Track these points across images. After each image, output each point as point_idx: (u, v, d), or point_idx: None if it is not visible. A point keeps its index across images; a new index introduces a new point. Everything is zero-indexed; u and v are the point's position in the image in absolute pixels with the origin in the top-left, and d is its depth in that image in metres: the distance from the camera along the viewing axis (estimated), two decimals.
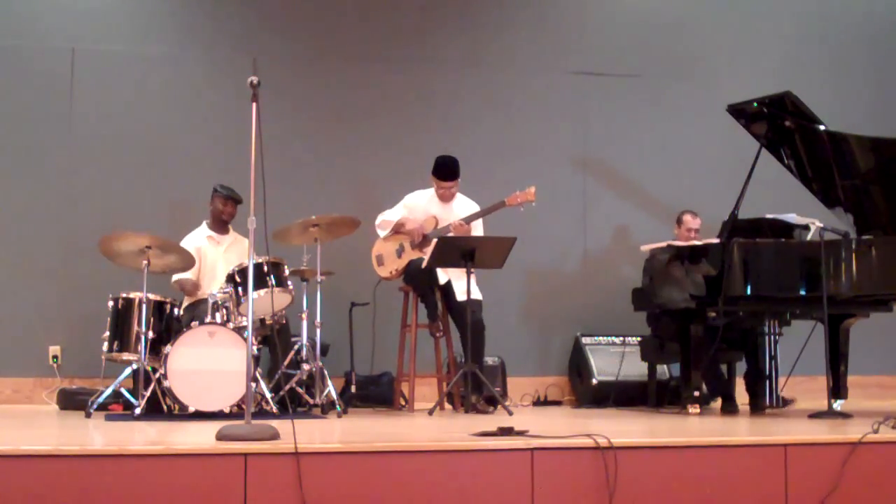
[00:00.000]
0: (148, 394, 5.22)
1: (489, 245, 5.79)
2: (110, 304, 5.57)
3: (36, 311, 6.71)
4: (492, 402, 5.82)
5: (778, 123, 5.79)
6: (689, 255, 5.69)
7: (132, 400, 5.33)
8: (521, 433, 3.78)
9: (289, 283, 5.67)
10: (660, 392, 6.59)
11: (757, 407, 6.08)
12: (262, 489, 3.36)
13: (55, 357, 6.67)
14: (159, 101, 7.04)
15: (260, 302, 5.32)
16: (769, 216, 5.95)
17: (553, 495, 3.58)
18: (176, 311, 5.63)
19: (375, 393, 6.59)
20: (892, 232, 5.60)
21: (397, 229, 6.26)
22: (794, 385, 6.30)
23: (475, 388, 5.75)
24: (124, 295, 5.56)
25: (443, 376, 6.34)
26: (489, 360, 6.48)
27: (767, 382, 6.17)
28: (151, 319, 5.46)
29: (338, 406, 5.48)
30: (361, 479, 3.46)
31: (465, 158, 6.27)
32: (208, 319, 5.30)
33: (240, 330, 5.26)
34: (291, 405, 5.22)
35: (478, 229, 6.24)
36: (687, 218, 6.63)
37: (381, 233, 6.29)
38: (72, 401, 6.14)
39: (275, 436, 3.61)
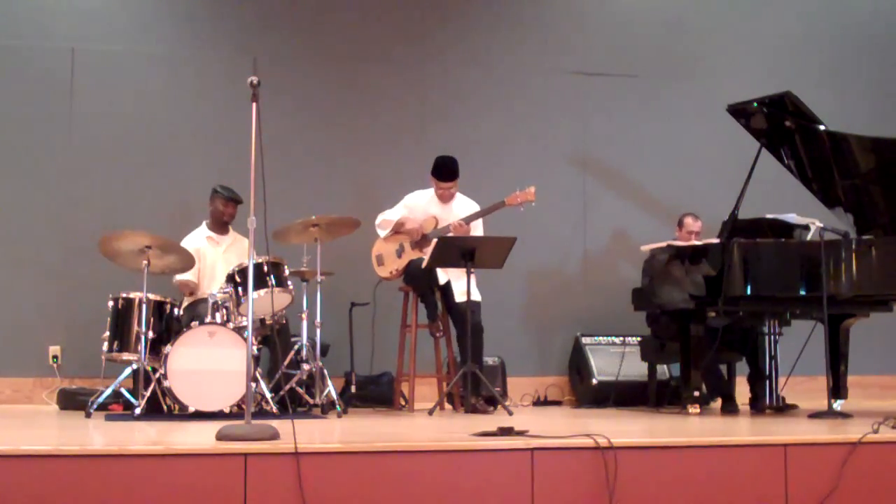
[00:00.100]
0: (148, 394, 5.22)
1: (489, 245, 5.79)
2: (110, 304, 5.57)
3: (36, 311, 6.71)
4: (492, 402, 5.82)
5: (778, 123, 5.78)
6: (689, 256, 5.69)
7: (132, 400, 5.33)
8: (521, 433, 3.78)
9: (289, 283, 5.67)
10: (660, 392, 6.59)
11: (757, 407, 6.08)
12: (262, 489, 3.36)
13: (55, 357, 6.67)
14: (159, 101, 7.04)
15: (260, 302, 5.32)
16: (769, 216, 5.95)
17: (553, 495, 3.59)
18: (176, 311, 5.63)
19: (375, 393, 6.59)
20: (892, 232, 5.59)
21: (397, 229, 6.26)
22: (794, 385, 6.30)
23: (475, 388, 5.75)
24: (124, 295, 5.56)
25: (443, 376, 6.34)
26: (489, 360, 6.48)
27: (767, 382, 6.17)
28: (151, 319, 5.46)
29: (338, 406, 5.48)
30: (361, 479, 3.46)
31: (465, 158, 6.27)
32: (208, 319, 5.30)
33: (240, 330, 5.26)
34: (291, 405, 5.22)
35: (478, 229, 6.24)
36: (688, 221, 6.63)
37: (381, 233, 6.29)
38: (72, 401, 6.14)
39: (275, 436, 3.61)
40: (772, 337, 6.17)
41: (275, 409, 5.24)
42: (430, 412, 5.63)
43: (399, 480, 3.49)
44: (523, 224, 6.31)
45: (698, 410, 5.66)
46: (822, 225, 5.59)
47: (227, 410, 5.10)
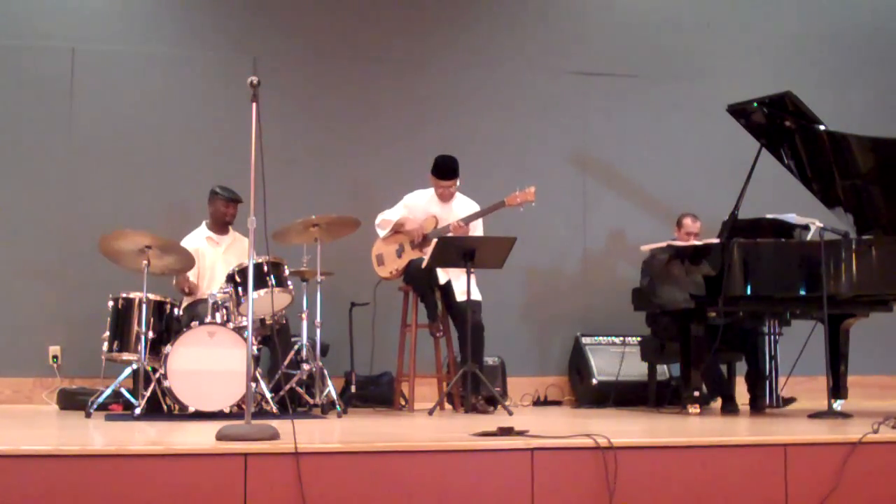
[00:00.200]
0: (148, 394, 5.22)
1: (489, 245, 5.80)
2: (110, 304, 5.57)
3: (36, 311, 6.70)
4: (492, 402, 5.82)
5: (778, 123, 5.78)
6: (690, 256, 5.68)
7: (132, 400, 5.33)
8: (521, 433, 3.78)
9: (289, 283, 5.67)
10: (660, 392, 6.59)
11: (757, 407, 6.08)
12: (262, 489, 3.36)
13: (55, 357, 6.67)
14: (159, 101, 7.04)
15: (260, 302, 5.32)
16: (769, 216, 5.95)
17: (553, 495, 3.58)
18: (176, 311, 5.63)
19: (375, 393, 6.59)
20: (892, 232, 5.60)
21: (397, 229, 6.26)
22: (794, 385, 6.30)
23: (475, 388, 5.75)
24: (124, 295, 5.56)
25: (443, 376, 6.34)
26: (489, 360, 6.48)
27: (767, 382, 6.17)
28: (151, 319, 5.46)
29: (338, 406, 5.48)
30: (361, 479, 3.46)
31: (465, 158, 6.27)
32: (208, 319, 5.30)
33: (240, 330, 5.26)
34: (291, 405, 5.22)
35: (478, 229, 6.24)
36: (687, 221, 6.62)
37: (381, 233, 6.29)
38: (72, 401, 6.14)
39: (275, 436, 3.61)
40: (772, 337, 6.17)
41: (275, 409, 5.23)
42: (430, 412, 5.63)
43: (399, 480, 3.49)
44: (523, 224, 6.31)
45: (698, 410, 5.66)
46: (822, 225, 5.59)
47: (227, 410, 5.10)
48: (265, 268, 5.44)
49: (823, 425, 4.73)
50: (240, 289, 5.48)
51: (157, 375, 5.23)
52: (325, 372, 5.63)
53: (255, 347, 5.40)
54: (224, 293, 5.47)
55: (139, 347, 5.38)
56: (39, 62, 6.91)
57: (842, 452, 3.83)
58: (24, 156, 6.83)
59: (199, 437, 3.98)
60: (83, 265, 6.52)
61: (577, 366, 7.13)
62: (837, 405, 5.54)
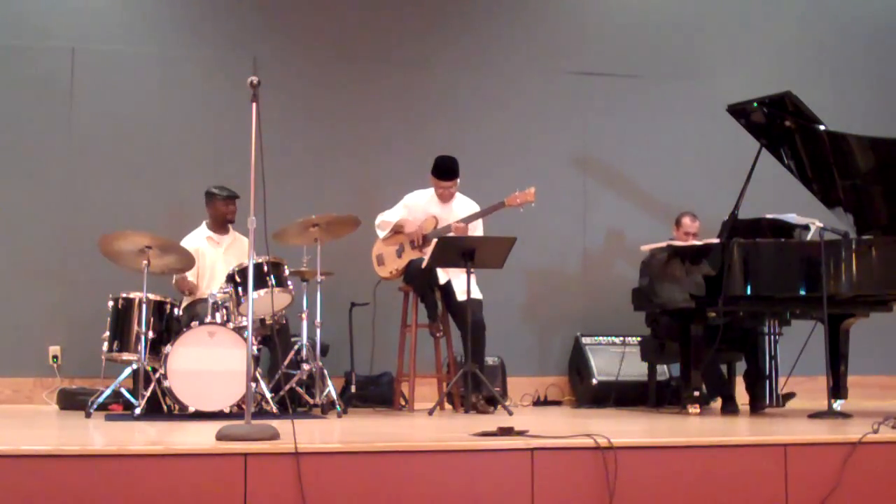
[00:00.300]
0: (148, 394, 5.22)
1: (489, 245, 5.80)
2: (110, 304, 5.57)
3: (36, 311, 6.70)
4: (492, 402, 5.82)
5: (778, 123, 5.78)
6: (690, 255, 5.68)
7: (132, 400, 5.33)
8: (521, 433, 3.78)
9: (289, 283, 5.67)
10: (660, 392, 6.59)
11: (757, 407, 6.08)
12: (262, 489, 3.36)
13: (55, 357, 6.67)
14: (159, 101, 7.04)
15: (260, 302, 5.32)
16: (769, 216, 5.95)
17: (553, 495, 3.59)
18: (176, 311, 5.63)
19: (375, 393, 6.59)
20: (892, 232, 5.59)
21: (397, 230, 6.26)
22: (794, 385, 6.29)
23: (475, 388, 5.75)
24: (124, 295, 5.56)
25: (443, 376, 6.34)
26: (489, 360, 6.47)
27: (767, 382, 6.17)
28: (151, 319, 5.46)
29: (338, 406, 5.48)
30: (361, 479, 3.46)
31: (465, 158, 6.27)
32: (208, 319, 5.30)
33: (240, 330, 5.26)
34: (291, 405, 5.22)
35: (478, 229, 6.24)
36: (686, 221, 6.62)
37: (381, 233, 6.29)
38: (72, 401, 6.14)
39: (275, 436, 3.61)
40: (772, 337, 6.16)
41: (275, 409, 5.24)
42: (430, 412, 5.63)
43: (399, 480, 3.49)
44: (523, 224, 6.31)
45: (698, 410, 5.66)
46: (822, 225, 5.59)
47: (227, 410, 5.10)
48: (265, 268, 5.44)
49: (823, 425, 4.73)
50: (240, 289, 5.48)
51: (157, 375, 5.23)
52: (325, 372, 5.63)
53: (255, 347, 5.40)
54: (224, 293, 5.47)
55: (139, 347, 5.38)
56: (39, 62, 6.91)
57: (842, 452, 3.84)
58: (24, 156, 6.82)
59: (199, 437, 3.99)
60: (83, 265, 6.52)
61: (577, 366, 7.13)
62: (837, 405, 5.53)
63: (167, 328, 5.56)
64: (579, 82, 7.63)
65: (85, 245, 6.08)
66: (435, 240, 5.78)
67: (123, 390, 5.43)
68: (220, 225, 6.23)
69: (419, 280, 6.06)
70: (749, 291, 5.45)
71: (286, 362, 5.65)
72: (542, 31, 7.65)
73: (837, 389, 5.64)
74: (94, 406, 5.38)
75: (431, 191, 6.27)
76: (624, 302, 6.58)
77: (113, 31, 7.05)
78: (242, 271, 5.51)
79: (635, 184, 7.66)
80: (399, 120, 7.32)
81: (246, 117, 3.91)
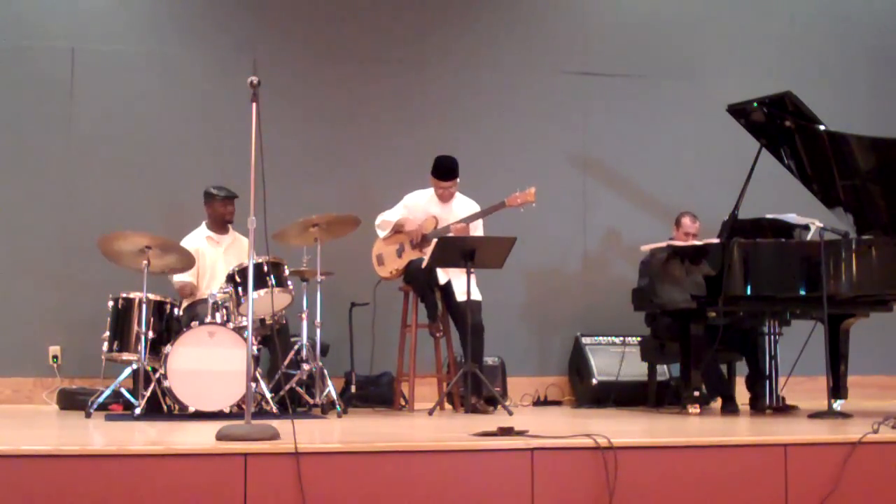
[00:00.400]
0: (148, 394, 5.22)
1: (489, 245, 5.79)
2: (110, 304, 5.57)
3: (36, 311, 6.71)
4: (492, 402, 5.82)
5: (778, 123, 5.78)
6: (690, 255, 5.68)
7: (132, 400, 5.33)
8: (521, 433, 3.78)
9: (289, 283, 5.67)
10: (660, 392, 6.59)
11: (757, 407, 6.08)
12: (262, 489, 3.36)
13: (55, 357, 6.67)
14: (159, 101, 7.04)
15: (260, 302, 5.32)
16: (769, 216, 5.95)
17: (553, 495, 3.58)
18: (176, 311, 5.63)
19: (375, 393, 6.59)
20: (892, 232, 5.59)
21: (397, 229, 6.26)
22: (794, 385, 6.29)
23: (475, 388, 5.75)
24: (124, 295, 5.56)
25: (443, 376, 6.34)
26: (489, 360, 6.48)
27: (767, 382, 6.17)
28: (151, 319, 5.46)
29: (338, 406, 5.48)
30: (361, 479, 3.46)
31: (465, 158, 6.27)
32: (208, 319, 5.30)
33: (240, 330, 5.26)
34: (291, 405, 5.22)
35: (478, 229, 6.24)
36: (685, 221, 6.61)
37: (381, 233, 6.29)
38: (72, 401, 6.14)
39: (275, 436, 3.61)
40: (772, 337, 6.17)
41: (275, 409, 5.23)
42: (430, 412, 5.63)
43: (399, 480, 3.49)
44: (523, 224, 6.31)
45: (698, 410, 5.66)
46: (822, 225, 5.59)
47: (227, 410, 5.10)
48: (265, 268, 5.44)
49: (823, 425, 4.73)
50: (240, 289, 5.48)
51: (157, 375, 5.23)
52: (325, 372, 5.63)
53: (255, 347, 5.40)
54: (224, 293, 5.47)
55: (139, 347, 5.38)
56: (39, 62, 6.91)
57: (842, 452, 3.83)
58: (24, 156, 6.83)
59: (199, 437, 3.98)
60: (83, 265, 6.52)
61: (577, 366, 7.13)
62: (837, 405, 5.53)
63: (167, 328, 5.56)
64: (579, 82, 7.63)
65: (85, 245, 6.08)
66: (435, 240, 5.78)
67: (123, 390, 5.43)
68: (220, 225, 6.23)
69: (419, 280, 6.06)
70: (749, 291, 5.45)
71: (286, 362, 5.65)
72: (542, 31, 7.65)
73: (837, 389, 5.64)
74: (94, 406, 5.38)
75: (431, 191, 6.26)
76: (624, 302, 6.58)
77: (113, 31, 7.05)
78: (242, 271, 5.51)
79: (635, 184, 7.66)
80: (399, 120, 7.32)
81: (246, 117, 3.91)
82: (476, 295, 5.98)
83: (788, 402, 6.18)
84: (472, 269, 5.79)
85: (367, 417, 5.46)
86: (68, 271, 6.70)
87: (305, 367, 5.65)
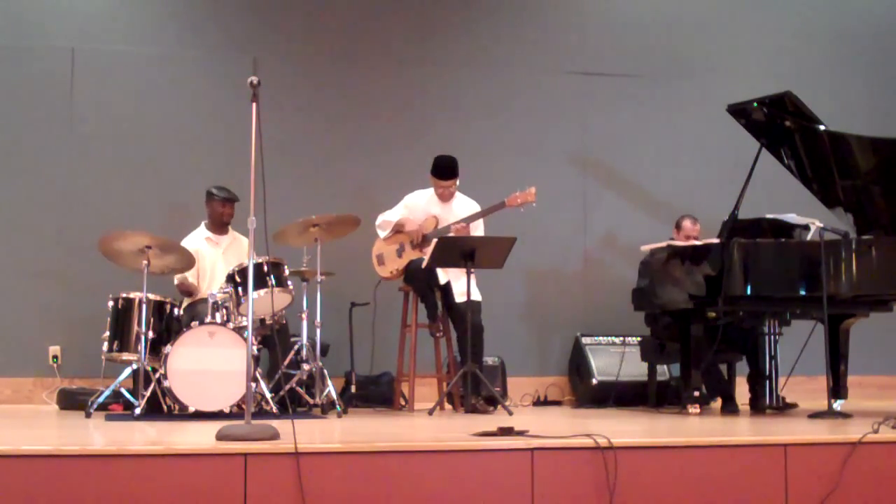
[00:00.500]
0: (148, 394, 5.22)
1: (489, 245, 5.79)
2: (110, 304, 5.57)
3: (36, 311, 6.71)
4: (492, 402, 5.82)
5: (778, 123, 5.78)
6: (690, 255, 5.68)
7: (132, 400, 5.33)
8: (521, 433, 3.78)
9: (289, 283, 5.67)
10: (660, 392, 6.59)
11: (757, 407, 6.08)
12: (262, 489, 3.36)
13: (55, 357, 6.67)
14: (159, 101, 7.04)
15: (260, 302, 5.32)
16: (769, 216, 5.95)
17: (553, 495, 3.58)
18: (176, 311, 5.63)
19: (375, 393, 6.59)
20: (892, 232, 5.60)
21: (397, 229, 6.26)
22: (794, 385, 6.30)
23: (475, 388, 5.75)
24: (124, 295, 5.56)
25: (443, 376, 6.34)
26: (489, 360, 6.48)
27: (767, 382, 6.17)
28: (151, 319, 5.46)
29: (338, 406, 5.48)
30: (361, 479, 3.46)
31: (465, 158, 6.27)
32: (208, 319, 5.30)
33: (240, 330, 5.26)
34: (291, 405, 5.22)
35: (478, 229, 6.24)
36: (686, 224, 6.61)
37: (381, 233, 6.29)
38: (72, 401, 6.14)
39: (275, 436, 3.61)
40: (772, 337, 6.17)
41: (275, 409, 5.23)
42: (430, 412, 5.63)
43: (399, 480, 3.49)
44: (523, 224, 6.31)
45: (698, 410, 5.66)
46: (822, 225, 5.59)
47: (227, 410, 5.10)
48: (265, 268, 5.44)
49: (823, 425, 4.73)
50: (240, 289, 5.48)
51: (157, 375, 5.23)
52: (325, 372, 5.63)
53: (255, 347, 5.40)
54: (224, 293, 5.47)
55: (139, 347, 5.38)
56: (39, 62, 6.91)
57: (842, 452, 3.83)
58: (24, 156, 6.83)
59: (199, 437, 3.98)
60: (83, 265, 6.51)
61: (577, 366, 7.13)
62: (837, 405, 5.53)
63: (167, 328, 5.56)
64: (579, 82, 7.63)
65: (85, 245, 6.08)
66: (435, 240, 5.78)
67: (123, 390, 5.43)
68: (218, 225, 6.23)
69: (419, 280, 6.06)
70: (749, 291, 5.45)
71: (286, 362, 5.65)
72: (543, 31, 7.65)
73: (837, 389, 5.64)
74: (94, 406, 5.38)
75: (432, 191, 6.26)
76: (624, 302, 6.58)
77: (113, 31, 7.05)
78: (242, 271, 5.51)
79: (635, 184, 7.66)
80: (399, 120, 7.32)
81: (246, 117, 3.92)
82: (476, 295, 5.98)
83: (788, 401, 6.18)
84: (472, 269, 5.79)
85: (367, 417, 5.46)
86: (68, 271, 6.70)
87: (305, 367, 5.65)
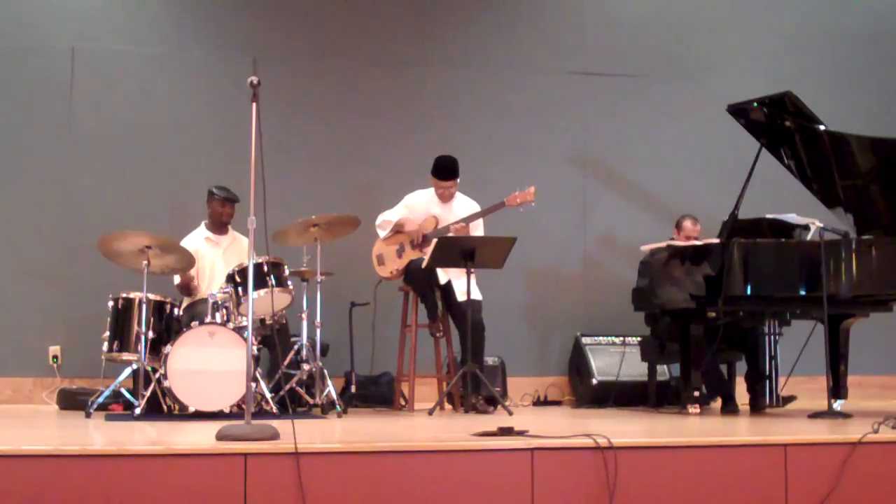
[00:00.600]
0: (148, 394, 5.21)
1: (489, 245, 5.80)
2: (110, 304, 5.56)
3: (36, 311, 6.71)
4: (492, 402, 5.82)
5: (778, 123, 5.78)
6: (690, 255, 5.68)
7: (132, 400, 5.34)
8: (521, 433, 3.79)
9: (289, 283, 5.67)
10: (660, 392, 6.59)
11: (757, 407, 6.08)
12: (262, 489, 3.36)
13: (55, 357, 6.67)
14: (159, 101, 7.04)
15: (260, 302, 5.32)
16: (769, 216, 5.95)
17: (553, 495, 3.59)
18: (176, 311, 5.63)
19: (375, 393, 6.59)
20: (892, 232, 5.60)
21: (397, 230, 6.26)
22: (794, 385, 6.29)
23: (475, 388, 5.75)
24: (124, 295, 5.56)
25: (443, 376, 6.34)
26: (489, 360, 6.48)
27: (767, 382, 6.17)
28: (151, 319, 5.46)
29: (338, 406, 5.48)
30: (361, 479, 3.46)
31: (465, 158, 6.27)
32: (208, 319, 5.30)
33: (240, 330, 5.26)
34: (291, 405, 5.22)
35: (478, 229, 6.24)
36: (687, 224, 6.61)
37: (381, 233, 6.30)
38: (72, 401, 6.14)
39: (275, 436, 3.61)
40: (772, 337, 6.16)
41: (275, 409, 5.23)
42: (430, 412, 5.63)
43: (399, 480, 3.49)
44: (523, 224, 6.31)
45: (698, 410, 5.66)
46: (822, 225, 5.59)
47: (227, 410, 5.10)
48: (265, 268, 5.44)
49: (823, 425, 4.73)
50: (240, 289, 5.48)
51: (157, 375, 5.23)
52: (325, 372, 5.63)
53: (255, 347, 5.40)
54: (224, 293, 5.47)
55: (139, 347, 5.38)
56: (39, 62, 6.91)
57: (842, 452, 3.83)
58: (24, 156, 6.83)
59: (199, 437, 3.98)
60: (83, 265, 6.51)
61: (577, 366, 7.13)
62: (837, 405, 5.53)
63: (167, 328, 5.56)
64: (579, 82, 7.63)
65: (85, 245, 6.08)
66: (435, 240, 5.78)
67: (123, 390, 5.44)
68: (218, 225, 6.23)
69: (419, 280, 6.06)
70: (749, 291, 5.45)
71: (286, 362, 5.65)
72: (543, 31, 7.65)
73: (837, 389, 5.64)
74: (94, 406, 5.38)
75: (432, 191, 6.27)
76: (624, 302, 6.58)
77: (113, 31, 7.06)
78: (242, 271, 5.51)
79: (635, 184, 7.66)
80: (399, 120, 7.32)
81: (246, 117, 3.92)
82: (476, 294, 5.98)
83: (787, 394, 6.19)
84: (472, 269, 5.79)
85: (367, 417, 5.46)
86: (68, 271, 6.70)
87: (305, 367, 5.65)
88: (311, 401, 5.65)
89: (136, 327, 5.47)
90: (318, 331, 5.81)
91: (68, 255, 6.70)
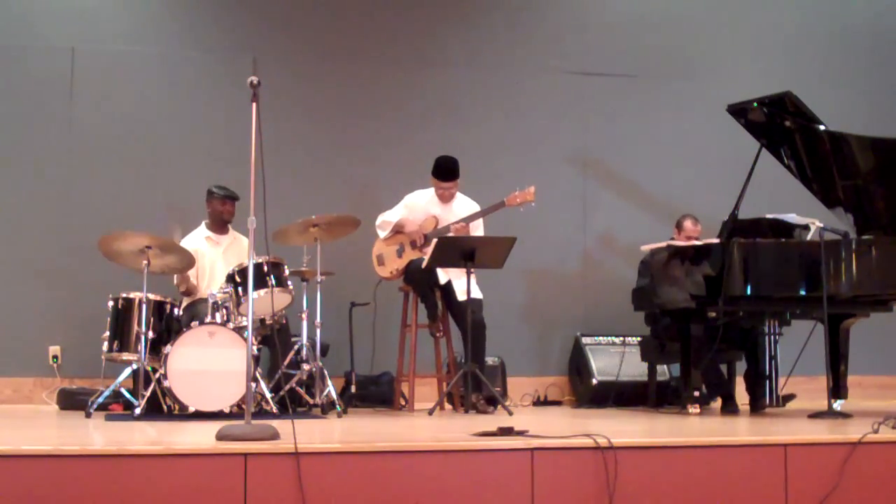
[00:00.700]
0: (148, 394, 5.21)
1: (489, 245, 5.80)
2: (110, 304, 5.57)
3: (36, 311, 6.71)
4: (492, 402, 5.82)
5: (778, 123, 5.79)
6: (690, 255, 5.68)
7: (132, 400, 5.33)
8: (521, 433, 3.79)
9: (289, 283, 5.67)
10: (660, 392, 6.59)
11: (757, 407, 6.08)
12: (262, 489, 3.36)
13: (55, 357, 6.67)
14: (159, 101, 7.04)
15: (260, 302, 5.32)
16: (769, 216, 5.95)
17: (553, 495, 3.59)
18: (176, 311, 5.63)
19: (375, 393, 6.59)
20: (892, 232, 5.60)
21: (397, 230, 6.26)
22: (794, 385, 6.29)
23: (475, 388, 5.75)
24: (124, 295, 5.56)
25: (443, 376, 6.34)
26: (489, 360, 6.47)
27: (767, 382, 6.17)
28: (151, 319, 5.46)
29: (338, 406, 5.48)
30: (361, 479, 3.46)
31: (465, 159, 6.27)
32: (208, 319, 5.30)
33: (240, 330, 5.26)
34: (291, 405, 5.22)
35: (478, 229, 6.24)
36: (687, 224, 6.61)
37: (382, 234, 6.30)
38: (72, 401, 6.14)
39: (275, 436, 3.61)
40: (772, 337, 6.16)
41: (275, 409, 5.23)
42: (430, 412, 5.63)
43: (399, 480, 3.49)
44: (523, 224, 6.31)
45: (698, 410, 5.66)
46: (822, 225, 5.59)
47: (227, 410, 5.10)
48: (265, 268, 5.44)
49: (823, 425, 4.73)
50: (240, 289, 5.48)
51: (157, 375, 5.23)
52: (325, 372, 5.63)
53: (255, 347, 5.40)
54: (224, 293, 5.47)
55: (139, 347, 5.38)
56: (39, 62, 6.91)
57: (842, 452, 3.84)
58: (24, 156, 6.83)
59: (199, 437, 3.98)
60: (83, 265, 6.51)
61: (577, 366, 7.13)
62: (837, 405, 5.53)
63: (167, 328, 5.56)
64: (579, 82, 7.63)
65: (85, 245, 6.07)
66: (435, 240, 5.78)
67: (123, 390, 5.43)
68: (219, 225, 6.23)
69: (419, 280, 6.06)
70: (749, 291, 5.45)
71: (286, 362, 5.65)
72: (542, 30, 7.66)
73: (837, 389, 5.64)
74: (94, 406, 5.38)
75: (432, 191, 6.27)
76: (624, 302, 6.59)
77: (113, 31, 7.06)
78: (242, 271, 5.51)
79: (635, 184, 7.66)
80: (399, 120, 7.32)
81: (246, 117, 3.92)
82: (477, 293, 5.98)
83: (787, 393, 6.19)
84: (472, 269, 5.79)
85: (367, 417, 5.46)
86: (68, 271, 6.70)
87: (305, 367, 5.65)
88: (311, 401, 5.65)
89: (136, 327, 5.47)
90: (318, 331, 5.81)
91: (68, 255, 6.70)
